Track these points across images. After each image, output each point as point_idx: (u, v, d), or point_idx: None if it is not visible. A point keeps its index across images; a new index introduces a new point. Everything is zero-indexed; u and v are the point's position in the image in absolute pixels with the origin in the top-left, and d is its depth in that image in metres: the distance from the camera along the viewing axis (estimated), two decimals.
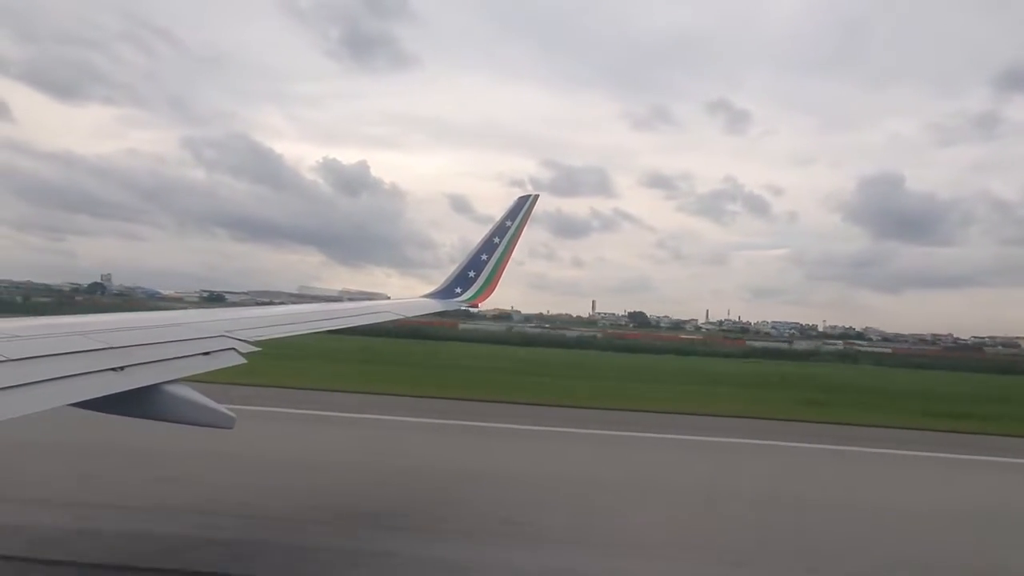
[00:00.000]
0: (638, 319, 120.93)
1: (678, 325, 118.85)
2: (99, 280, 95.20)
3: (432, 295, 9.68)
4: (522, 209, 9.86)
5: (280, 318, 6.04)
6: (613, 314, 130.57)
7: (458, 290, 9.54)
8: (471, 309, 9.93)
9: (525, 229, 9.93)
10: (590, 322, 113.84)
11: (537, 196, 10.15)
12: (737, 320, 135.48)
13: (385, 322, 7.70)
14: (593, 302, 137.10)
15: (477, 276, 9.62)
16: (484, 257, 9.66)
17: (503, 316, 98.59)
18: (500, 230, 9.76)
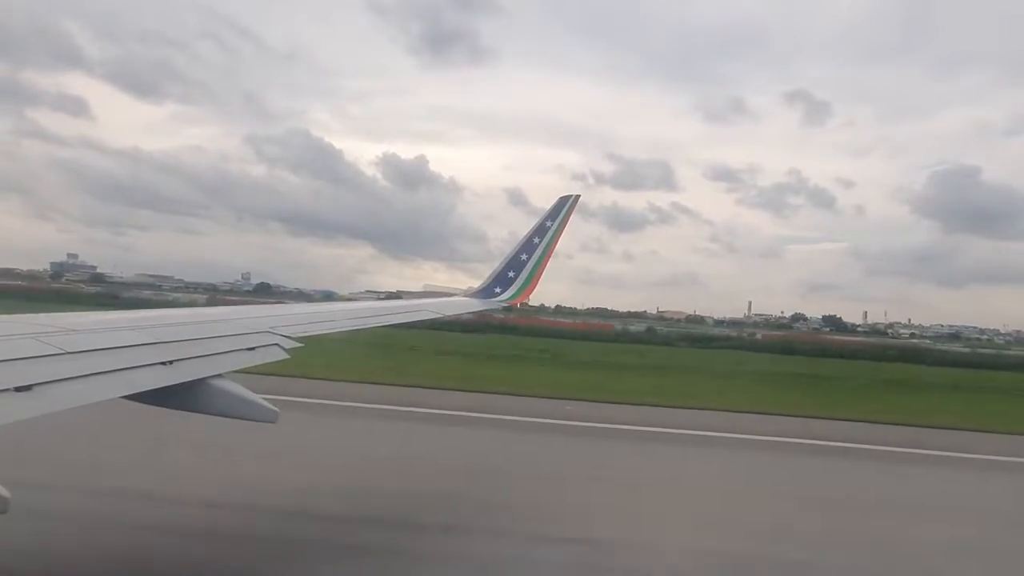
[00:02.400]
0: (835, 323, 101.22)
1: (876, 329, 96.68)
2: (240, 278, 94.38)
3: (472, 294, 9.77)
4: (562, 209, 9.85)
5: (322, 315, 6.20)
6: (770, 316, 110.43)
7: (497, 289, 9.60)
8: (510, 306, 9.97)
9: (569, 227, 9.88)
10: (779, 325, 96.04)
11: (578, 196, 10.13)
12: (907, 322, 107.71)
13: (423, 320, 7.82)
14: (749, 303, 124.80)
15: (517, 276, 9.66)
16: (524, 257, 9.69)
17: (694, 320, 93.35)
18: (540, 230, 9.78)
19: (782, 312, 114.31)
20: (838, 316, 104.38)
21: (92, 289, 57.57)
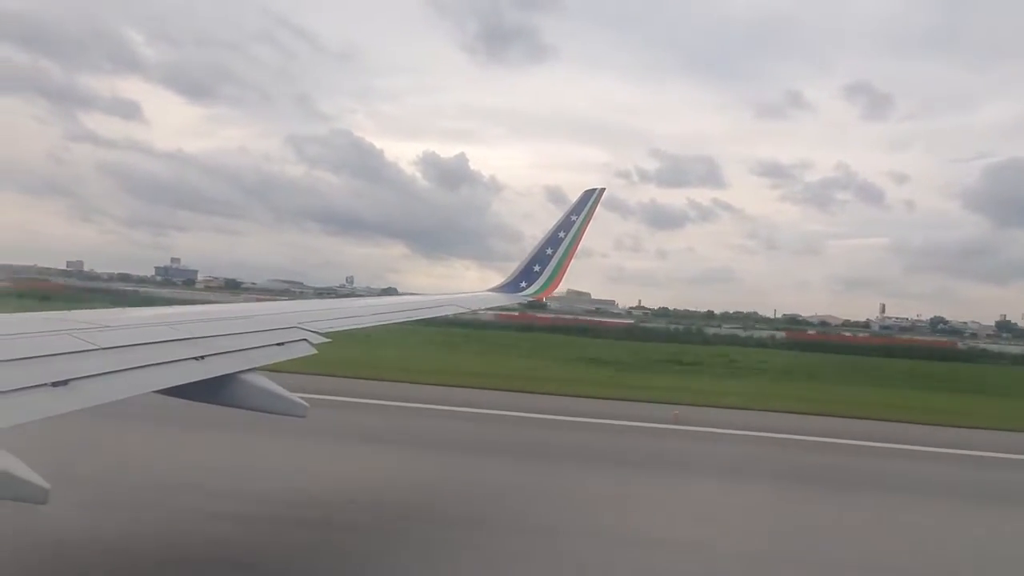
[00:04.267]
0: (1009, 329, 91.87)
1: None
2: (344, 283, 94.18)
3: (498, 289, 9.74)
4: (587, 203, 9.78)
5: (348, 311, 6.22)
6: (903, 318, 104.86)
7: (523, 284, 9.58)
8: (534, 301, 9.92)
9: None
10: (958, 330, 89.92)
11: (603, 190, 10.06)
12: None
13: (447, 316, 7.82)
14: (883, 305, 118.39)
15: (542, 270, 9.63)
16: (549, 251, 9.65)
17: (859, 325, 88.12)
18: (565, 224, 9.73)
19: (918, 315, 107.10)
20: (1012, 321, 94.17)
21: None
